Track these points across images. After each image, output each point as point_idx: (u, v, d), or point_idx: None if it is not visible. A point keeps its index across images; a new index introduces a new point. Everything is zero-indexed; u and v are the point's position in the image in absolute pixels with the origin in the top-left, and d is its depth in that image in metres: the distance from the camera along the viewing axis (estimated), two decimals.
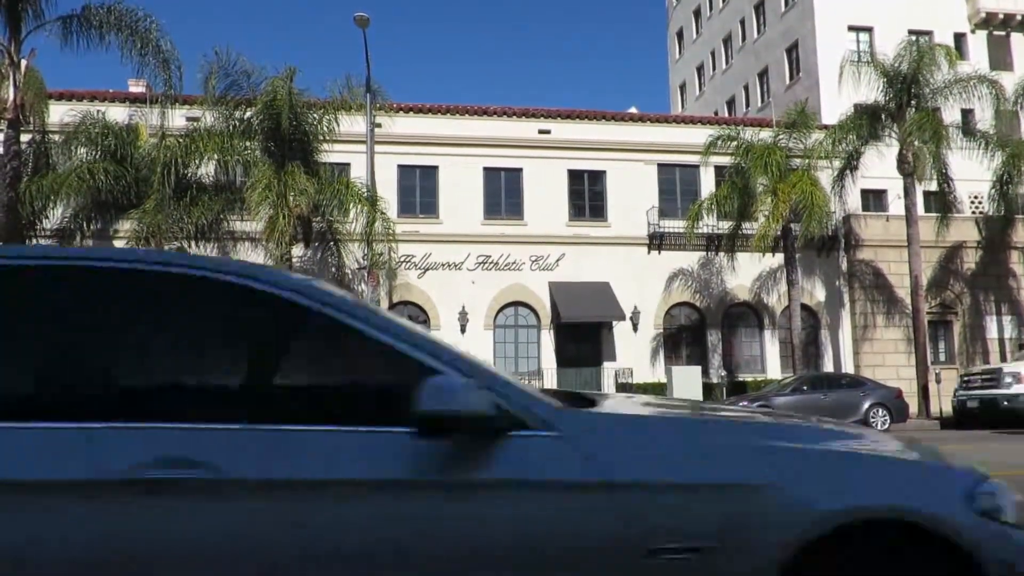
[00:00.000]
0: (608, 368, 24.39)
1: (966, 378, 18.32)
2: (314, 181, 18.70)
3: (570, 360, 24.53)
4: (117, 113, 20.61)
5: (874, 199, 28.06)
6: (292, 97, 18.63)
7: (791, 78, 32.83)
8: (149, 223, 17.92)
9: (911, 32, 30.27)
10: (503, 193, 25.19)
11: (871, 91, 23.15)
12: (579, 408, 2.34)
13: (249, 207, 18.23)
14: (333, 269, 21.89)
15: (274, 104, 18.51)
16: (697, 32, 43.32)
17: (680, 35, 46.09)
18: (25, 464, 1.91)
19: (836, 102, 27.98)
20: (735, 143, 22.63)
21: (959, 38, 31.49)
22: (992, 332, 26.36)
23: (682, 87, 46.00)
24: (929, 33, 30.49)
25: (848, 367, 25.35)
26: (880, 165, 24.10)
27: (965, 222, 26.62)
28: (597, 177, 25.77)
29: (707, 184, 25.68)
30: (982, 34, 32.05)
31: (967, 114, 27.70)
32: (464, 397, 1.98)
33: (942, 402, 21.47)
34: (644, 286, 24.96)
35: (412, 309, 24.27)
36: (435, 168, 24.83)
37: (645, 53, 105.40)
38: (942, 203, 23.96)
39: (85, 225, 19.63)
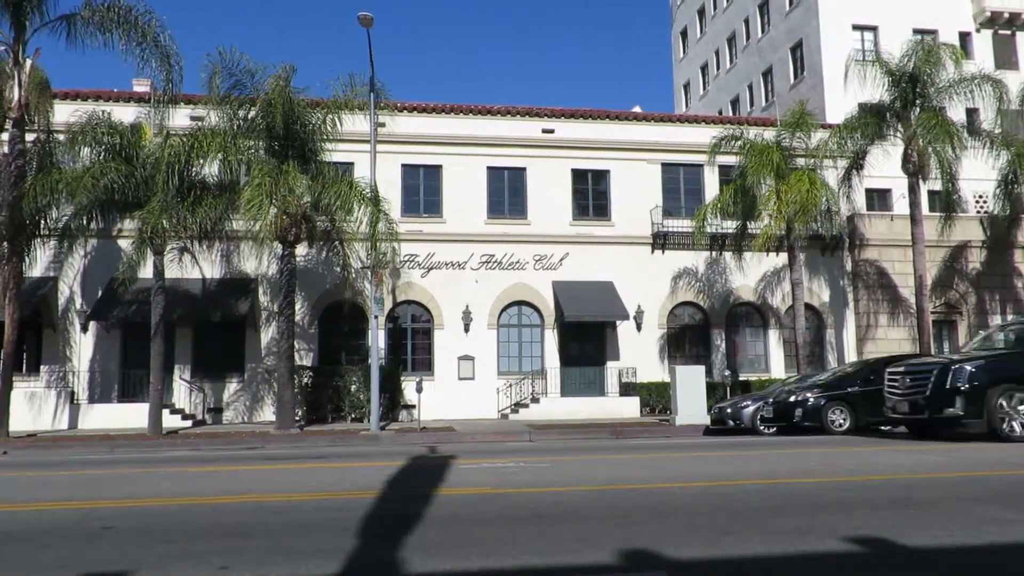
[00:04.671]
0: (612, 367, 24.37)
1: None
2: (310, 180, 18.68)
3: (574, 359, 24.52)
4: (122, 113, 20.65)
5: (878, 198, 28.00)
6: (289, 96, 18.62)
7: (795, 77, 32.78)
8: (153, 223, 17.92)
9: (916, 31, 30.21)
10: (507, 192, 25.18)
11: (876, 90, 23.11)
12: None
13: (241, 204, 18.13)
14: (337, 269, 21.91)
15: (271, 103, 18.51)
16: (701, 31, 43.27)
17: (684, 34, 46.05)
18: None
19: (841, 101, 27.94)
20: (739, 142, 22.61)
21: (964, 37, 31.43)
22: None
23: (686, 86, 45.95)
24: (934, 32, 30.41)
25: None
26: (885, 164, 24.04)
27: (970, 221, 26.56)
28: (601, 176, 25.76)
29: (711, 183, 25.65)
30: (987, 33, 31.97)
31: (972, 113, 27.63)
32: None
33: None
34: (648, 285, 24.94)
35: (416, 308, 24.30)
36: (439, 167, 24.83)
37: (649, 52, 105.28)
38: (947, 202, 23.90)
39: (87, 224, 19.65)
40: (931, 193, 26.46)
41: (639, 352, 24.66)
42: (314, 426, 20.44)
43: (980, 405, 12.00)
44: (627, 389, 24.00)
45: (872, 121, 22.72)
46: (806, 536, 4.96)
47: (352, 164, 23.21)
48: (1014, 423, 12.09)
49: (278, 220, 18.20)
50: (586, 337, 24.70)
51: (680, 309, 25.62)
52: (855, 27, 31.15)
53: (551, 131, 25.62)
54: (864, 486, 7.47)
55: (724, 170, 24.82)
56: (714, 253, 25.35)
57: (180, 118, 21.34)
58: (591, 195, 25.74)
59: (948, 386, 12.29)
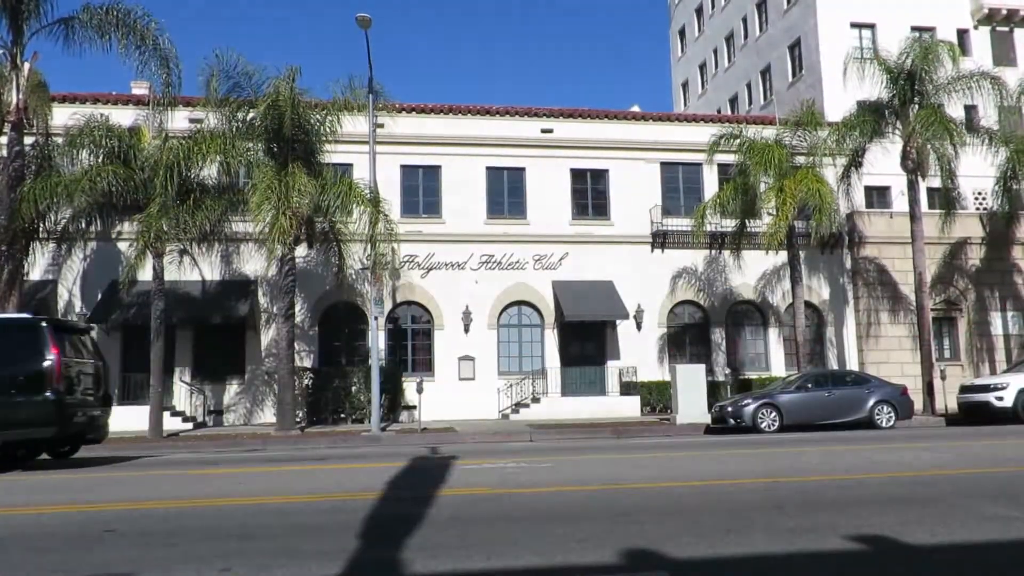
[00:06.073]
0: (612, 367, 24.37)
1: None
2: (315, 182, 18.69)
3: (574, 359, 24.52)
4: (120, 115, 20.64)
5: (878, 196, 28.00)
6: (295, 98, 18.62)
7: (794, 75, 32.78)
8: (154, 226, 17.92)
9: (914, 28, 30.16)
10: (506, 192, 25.18)
11: (874, 88, 23.09)
12: None
13: (250, 208, 18.25)
14: (336, 270, 21.92)
15: (276, 105, 18.49)
16: (699, 30, 43.27)
17: (682, 33, 46.06)
18: None
19: (839, 99, 27.93)
20: (738, 141, 22.59)
21: (962, 34, 31.42)
22: (997, 328, 26.29)
23: (684, 85, 45.95)
24: (932, 29, 30.39)
25: (853, 364, 25.31)
26: (884, 162, 24.04)
27: (969, 218, 26.56)
28: (600, 176, 25.75)
29: (710, 182, 25.64)
30: (985, 30, 31.96)
31: (970, 110, 27.63)
32: None
33: (947, 399, 21.41)
34: (648, 284, 24.93)
35: (416, 309, 24.29)
36: (438, 168, 24.82)
37: (647, 51, 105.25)
38: (946, 199, 23.88)
39: (86, 227, 19.63)
40: (930, 190, 26.45)
41: (639, 351, 24.65)
42: (315, 428, 20.43)
43: None
44: (628, 388, 23.99)
45: (871, 119, 22.70)
46: (808, 534, 4.97)
47: (351, 165, 23.19)
48: None
49: (282, 222, 18.20)
50: (586, 337, 24.69)
51: (680, 308, 25.60)
52: (853, 25, 31.12)
53: (550, 131, 25.61)
54: (865, 483, 7.48)
55: (723, 168, 24.78)
56: (714, 251, 25.33)
57: (179, 120, 21.31)
58: (590, 194, 25.72)
59: None
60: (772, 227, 21.49)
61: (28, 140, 18.91)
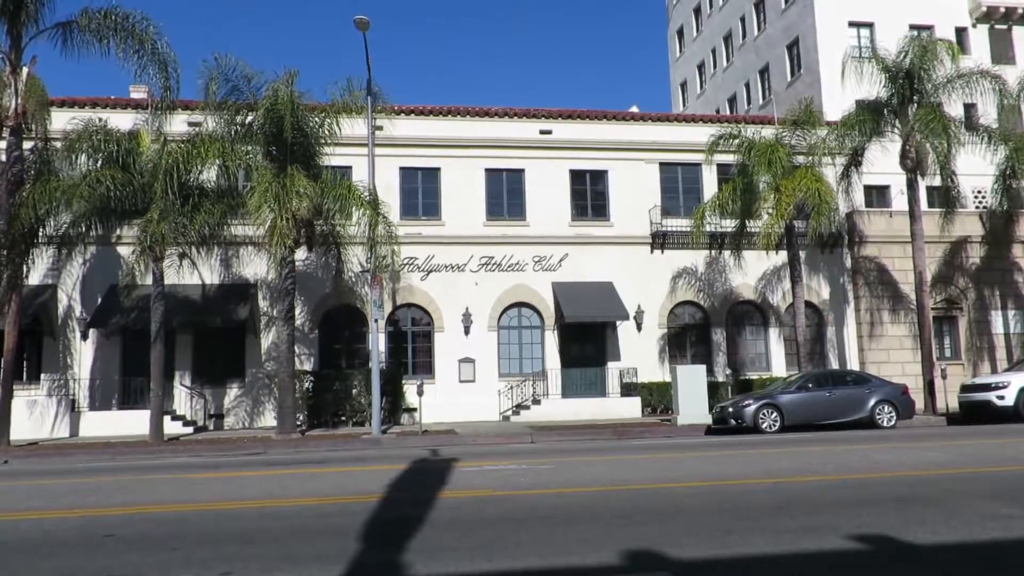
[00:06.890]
0: (612, 368, 24.34)
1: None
2: (315, 184, 18.67)
3: (574, 360, 24.50)
4: (119, 119, 20.64)
5: (877, 195, 27.99)
6: (293, 100, 18.59)
7: (792, 75, 32.79)
8: (153, 231, 17.90)
9: (912, 27, 30.19)
10: (505, 194, 25.16)
11: (873, 87, 23.09)
12: None
13: (250, 211, 18.22)
14: (335, 272, 21.94)
15: (275, 108, 18.46)
16: (697, 30, 43.30)
17: (680, 33, 46.08)
18: None
19: (838, 98, 27.94)
20: (737, 141, 22.57)
21: (960, 32, 31.44)
22: (998, 327, 26.26)
23: (683, 85, 45.98)
24: (930, 28, 30.41)
25: (853, 364, 25.29)
26: (883, 161, 24.03)
27: (969, 217, 26.54)
28: (599, 177, 25.74)
29: (709, 182, 25.62)
30: (983, 28, 31.99)
31: (969, 109, 27.62)
32: None
33: (948, 398, 21.39)
34: (648, 285, 24.91)
35: (416, 311, 24.27)
36: (437, 170, 24.82)
37: (646, 52, 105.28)
38: (945, 198, 23.86)
39: (86, 232, 19.61)
40: (930, 189, 26.42)
41: (640, 352, 24.62)
42: (315, 431, 20.41)
43: None
44: (628, 389, 23.96)
45: (870, 118, 22.67)
46: (810, 535, 4.96)
47: (350, 168, 23.17)
48: None
49: (281, 224, 18.20)
50: (586, 338, 24.66)
51: (680, 308, 25.56)
52: (851, 24, 31.13)
53: (549, 132, 25.59)
54: (866, 483, 7.46)
55: (722, 169, 24.76)
56: (713, 252, 25.30)
57: (178, 124, 21.30)
58: (590, 195, 25.69)
59: None
60: (767, 227, 21.47)
61: (27, 145, 18.90)
